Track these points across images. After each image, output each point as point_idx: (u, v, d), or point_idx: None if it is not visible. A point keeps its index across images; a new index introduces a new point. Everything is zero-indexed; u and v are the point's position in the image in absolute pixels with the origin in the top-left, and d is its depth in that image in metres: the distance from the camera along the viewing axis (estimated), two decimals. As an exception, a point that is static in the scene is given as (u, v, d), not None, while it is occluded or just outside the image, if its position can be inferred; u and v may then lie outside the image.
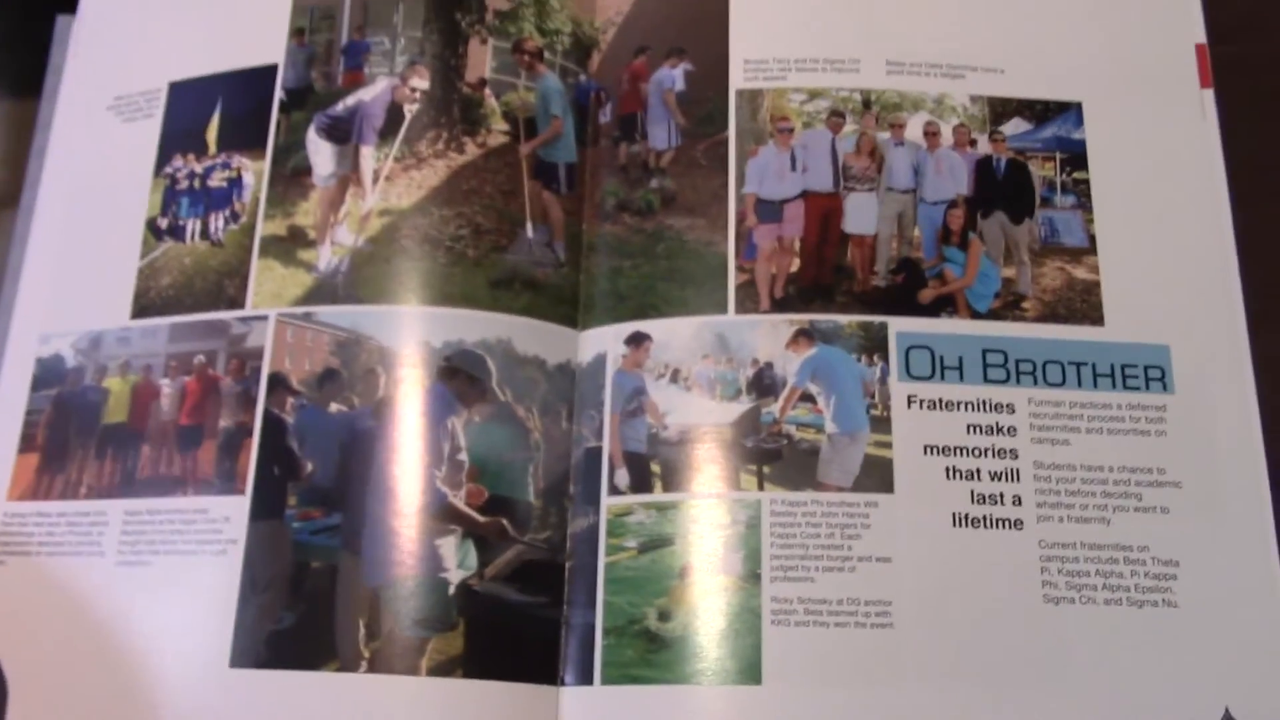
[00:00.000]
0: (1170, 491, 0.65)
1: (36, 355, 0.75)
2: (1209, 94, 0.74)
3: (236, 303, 0.72)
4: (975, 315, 0.70)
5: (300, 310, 0.71)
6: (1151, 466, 0.66)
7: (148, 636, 0.66)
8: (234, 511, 0.67)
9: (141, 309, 0.74)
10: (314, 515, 0.67)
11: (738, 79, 0.74)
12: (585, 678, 0.64)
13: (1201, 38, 0.75)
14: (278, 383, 0.70)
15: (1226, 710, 0.62)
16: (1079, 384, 0.67)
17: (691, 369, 0.69)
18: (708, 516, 0.66)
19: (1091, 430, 0.67)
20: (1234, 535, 0.65)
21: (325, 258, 0.72)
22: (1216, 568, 0.64)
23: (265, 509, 0.67)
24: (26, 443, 0.73)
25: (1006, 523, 0.65)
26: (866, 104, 0.74)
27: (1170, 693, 0.62)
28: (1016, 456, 0.66)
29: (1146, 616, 0.63)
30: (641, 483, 0.67)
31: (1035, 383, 0.68)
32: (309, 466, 0.68)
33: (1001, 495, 0.65)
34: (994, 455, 0.66)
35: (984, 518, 0.65)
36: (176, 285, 0.74)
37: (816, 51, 0.75)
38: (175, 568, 0.67)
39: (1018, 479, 0.66)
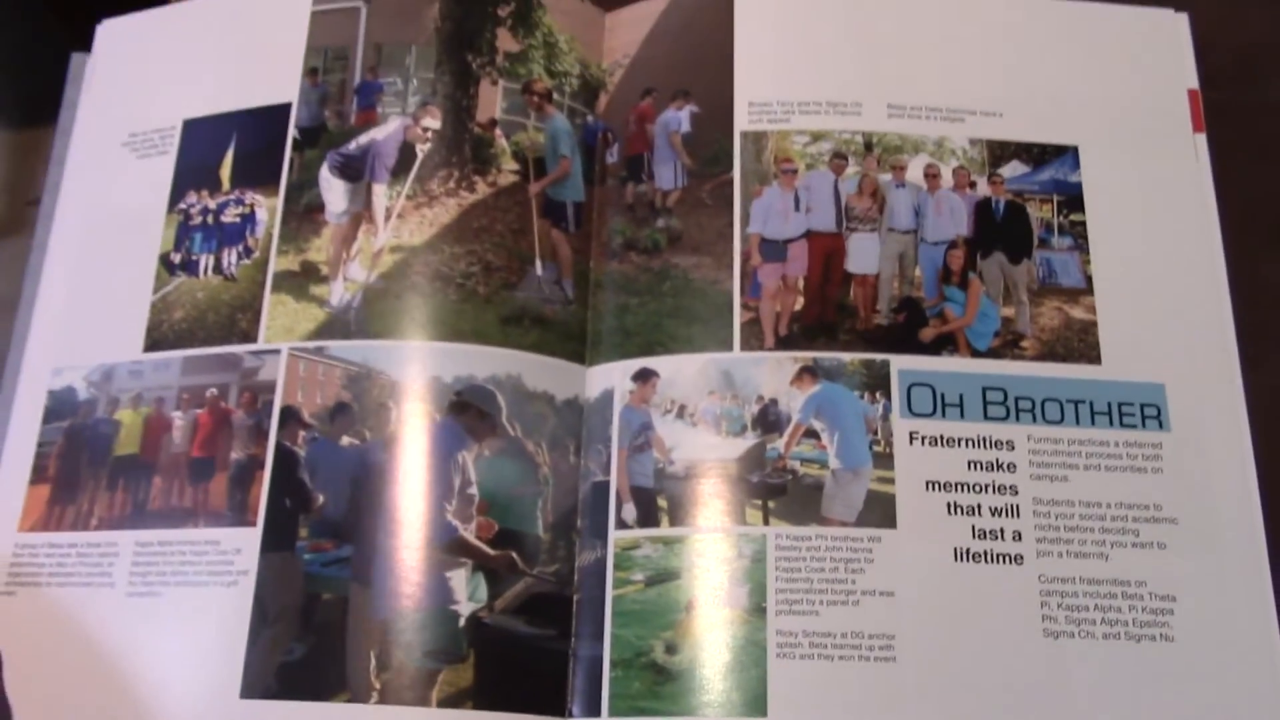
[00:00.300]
0: (1167, 527, 0.66)
1: (49, 388, 0.76)
2: (1201, 138, 0.75)
3: (249, 337, 0.73)
4: (975, 354, 0.71)
5: (312, 344, 0.72)
6: (1149, 503, 0.67)
7: (158, 667, 0.66)
8: (245, 543, 0.68)
9: (154, 342, 0.75)
10: (325, 547, 0.68)
11: (742, 121, 0.76)
12: (593, 710, 0.65)
13: (1194, 83, 0.76)
14: (290, 416, 0.70)
15: None
16: (1077, 422, 0.69)
17: (697, 405, 0.70)
18: (714, 550, 0.67)
19: (1090, 467, 0.68)
20: (1230, 570, 0.66)
21: (338, 293, 0.73)
22: (1213, 602, 0.65)
23: (276, 540, 0.68)
24: (38, 474, 0.74)
25: (1007, 558, 0.66)
26: (868, 146, 0.76)
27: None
28: (1016, 492, 0.67)
29: (1144, 650, 0.64)
30: (648, 517, 0.68)
31: (1034, 420, 0.69)
32: (320, 499, 0.69)
33: (1002, 531, 0.66)
34: (994, 491, 0.67)
35: (985, 553, 0.66)
36: (189, 319, 0.75)
37: (819, 95, 0.76)
38: (186, 599, 0.68)
39: (1017, 515, 0.67)
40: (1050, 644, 0.64)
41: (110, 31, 0.85)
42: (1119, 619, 0.65)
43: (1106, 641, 0.64)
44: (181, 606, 0.67)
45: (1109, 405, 0.69)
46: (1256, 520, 0.67)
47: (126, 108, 0.82)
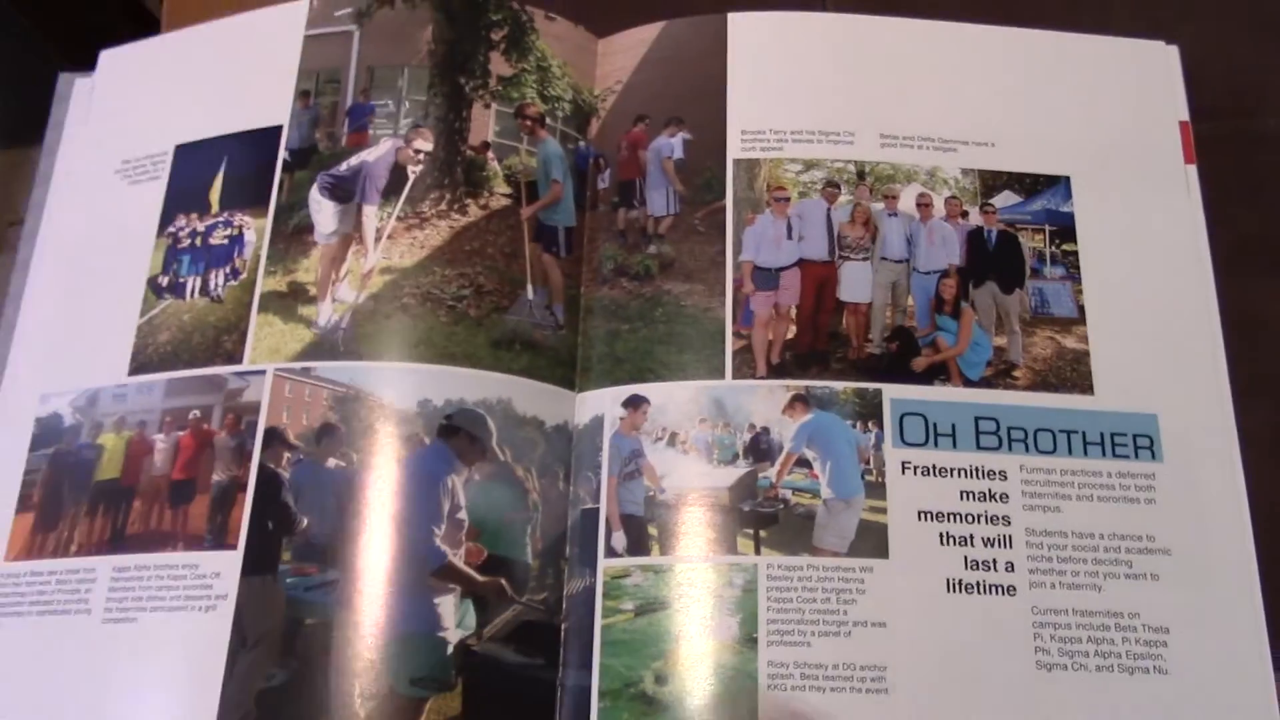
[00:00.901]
0: (1160, 558, 0.66)
1: (36, 415, 0.74)
2: (1193, 169, 0.75)
3: (234, 358, 0.72)
4: (968, 383, 0.71)
5: (299, 365, 0.71)
6: (1141, 534, 0.67)
7: (131, 694, 0.65)
8: (225, 566, 0.66)
9: (139, 366, 0.73)
10: (309, 571, 0.66)
11: (735, 149, 0.76)
12: (581, 741, 0.64)
13: (1185, 115, 0.77)
14: (274, 437, 0.69)
15: None
16: (1069, 452, 0.68)
17: (689, 433, 0.70)
18: (704, 580, 0.66)
19: (1082, 497, 0.68)
20: (1223, 602, 0.65)
21: (326, 314, 0.72)
22: (1206, 635, 0.65)
23: (258, 564, 0.66)
24: (23, 503, 0.72)
25: (999, 589, 0.65)
26: (861, 175, 0.76)
27: None
28: (1009, 523, 0.67)
29: (1137, 684, 0.64)
30: (638, 545, 0.67)
31: (1027, 450, 0.69)
32: (304, 521, 0.67)
33: (994, 561, 0.66)
34: (987, 521, 0.67)
35: (977, 584, 0.65)
36: (174, 341, 0.74)
37: (812, 123, 0.76)
38: (162, 624, 0.66)
39: (1010, 545, 0.66)
40: (1043, 676, 0.64)
41: (112, 60, 0.84)
42: (1112, 651, 0.64)
43: (1099, 674, 0.64)
44: (157, 632, 0.66)
45: (1101, 435, 0.69)
46: (1249, 551, 0.66)
47: (121, 136, 0.81)
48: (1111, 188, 0.75)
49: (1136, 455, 0.68)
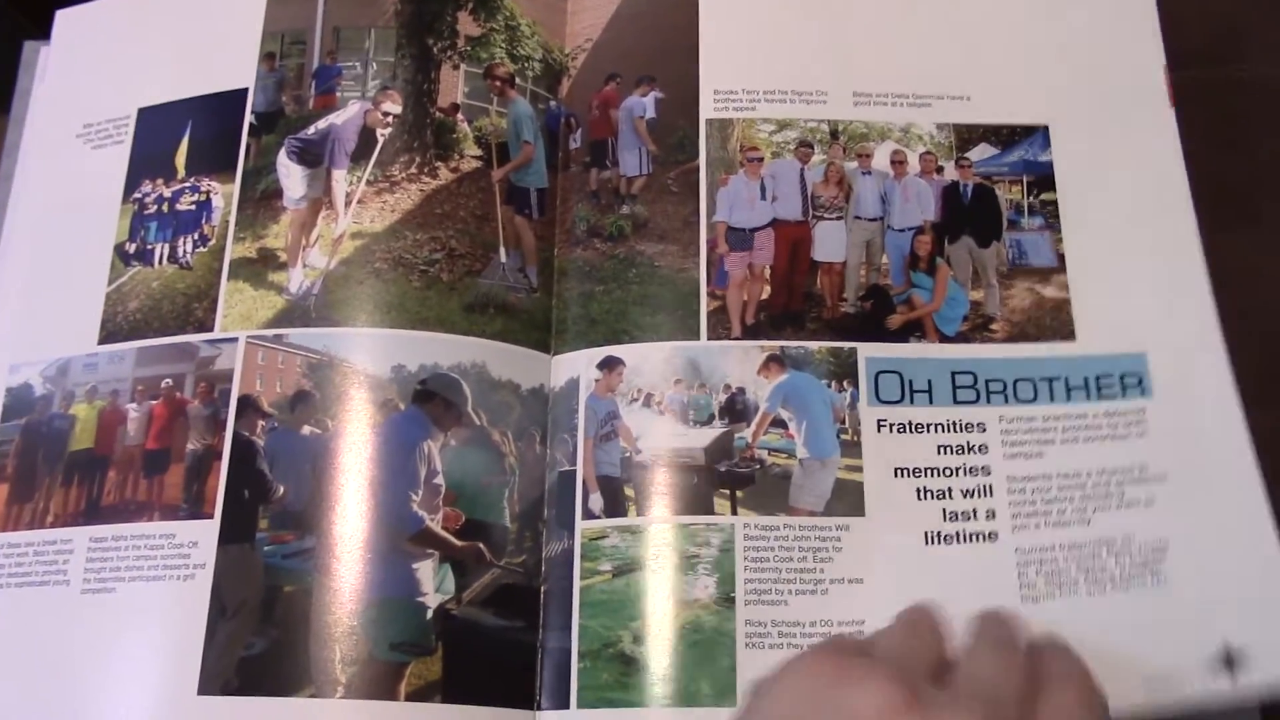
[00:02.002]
0: (1154, 485, 0.65)
1: (6, 385, 0.73)
2: (1172, 112, 0.73)
3: (205, 325, 0.71)
4: (944, 339, 0.70)
5: (270, 332, 0.70)
6: (1133, 466, 0.65)
7: (112, 665, 0.64)
8: (202, 535, 0.66)
9: (109, 334, 0.73)
10: (286, 539, 0.66)
11: (707, 108, 0.75)
12: (562, 702, 0.63)
13: (1164, 57, 0.75)
14: (248, 405, 0.69)
15: (1225, 642, 0.61)
16: (1051, 399, 0.68)
17: (664, 394, 0.69)
18: (681, 540, 0.66)
19: (1066, 440, 0.67)
20: (1225, 506, 0.64)
21: (297, 280, 0.72)
22: (1208, 539, 0.63)
23: (235, 533, 0.66)
24: (-3, 475, 0.72)
25: (980, 536, 0.65)
26: (834, 134, 0.75)
27: (1165, 634, 0.61)
28: (989, 473, 0.66)
29: (1134, 597, 0.62)
30: (615, 507, 0.67)
31: (1006, 401, 0.68)
32: (280, 489, 0.67)
33: (974, 511, 0.66)
34: (965, 473, 0.66)
35: (957, 534, 0.65)
36: (144, 309, 0.73)
37: (784, 83, 0.75)
38: (140, 594, 0.66)
39: (990, 494, 0.66)
40: (1030, 607, 0.62)
41: (68, 21, 0.83)
42: (1104, 574, 0.63)
43: (1092, 597, 0.63)
44: (136, 602, 0.65)
45: (1085, 380, 0.68)
46: (1250, 464, 0.64)
47: (81, 98, 0.80)
48: (1091, 134, 0.74)
49: (1124, 394, 0.67)
